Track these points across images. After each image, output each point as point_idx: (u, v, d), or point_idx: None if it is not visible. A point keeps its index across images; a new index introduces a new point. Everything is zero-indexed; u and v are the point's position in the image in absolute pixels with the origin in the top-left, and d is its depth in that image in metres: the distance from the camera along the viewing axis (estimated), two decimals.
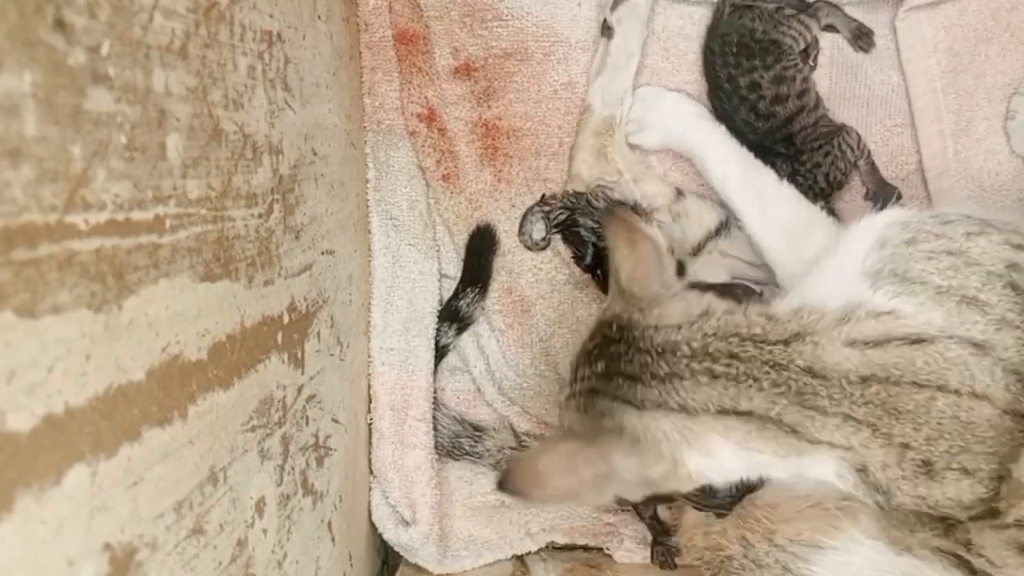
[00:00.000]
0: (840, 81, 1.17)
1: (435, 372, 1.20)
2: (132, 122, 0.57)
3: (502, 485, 0.79)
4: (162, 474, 0.61)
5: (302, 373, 0.90)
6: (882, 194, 1.16)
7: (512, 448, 1.20)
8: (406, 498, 1.16)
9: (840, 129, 1.15)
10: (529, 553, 1.20)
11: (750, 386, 0.77)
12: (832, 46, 1.17)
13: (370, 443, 1.17)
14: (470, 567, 1.18)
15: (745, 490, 0.91)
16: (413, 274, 1.20)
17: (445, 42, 1.17)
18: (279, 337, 0.83)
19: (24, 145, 0.47)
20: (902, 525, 0.79)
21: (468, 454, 1.20)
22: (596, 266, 1.17)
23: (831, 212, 1.14)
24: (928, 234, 0.85)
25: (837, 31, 1.16)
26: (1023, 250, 0.83)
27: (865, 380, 0.77)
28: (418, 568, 1.17)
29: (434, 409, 1.20)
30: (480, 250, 1.20)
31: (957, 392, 0.77)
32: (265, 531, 0.78)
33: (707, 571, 0.94)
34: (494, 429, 1.22)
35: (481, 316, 1.22)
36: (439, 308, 1.21)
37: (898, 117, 1.17)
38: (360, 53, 1.17)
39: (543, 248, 1.20)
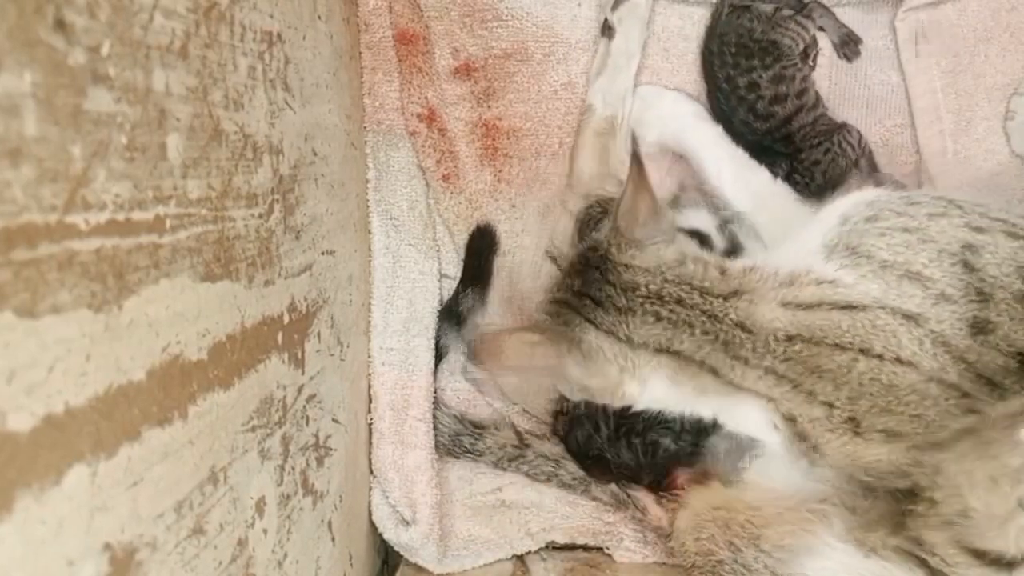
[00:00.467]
0: (840, 81, 1.18)
1: (435, 372, 1.20)
2: (132, 122, 0.57)
3: (469, 355, 0.96)
4: (162, 474, 0.61)
5: (302, 373, 0.90)
6: None
7: (515, 446, 1.20)
8: (406, 498, 1.16)
9: (841, 127, 1.15)
10: (529, 553, 1.20)
11: (684, 331, 0.87)
12: (832, 47, 1.17)
13: (370, 443, 1.17)
14: (470, 567, 1.18)
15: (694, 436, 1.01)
16: (413, 274, 1.20)
17: (445, 42, 1.17)
18: (279, 337, 0.83)
19: (24, 145, 0.47)
20: (864, 526, 0.81)
21: (469, 452, 1.20)
22: None
23: None
24: (890, 212, 0.90)
25: (825, 34, 1.16)
26: (983, 232, 0.86)
27: (790, 339, 0.84)
28: (418, 568, 1.17)
29: (434, 408, 1.20)
30: (480, 250, 1.20)
31: (880, 356, 0.82)
32: (265, 531, 0.78)
33: (698, 573, 0.94)
34: (495, 427, 1.21)
35: (481, 316, 1.22)
36: (439, 308, 1.21)
37: (898, 117, 1.17)
38: (360, 53, 1.17)
39: None
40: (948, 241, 0.86)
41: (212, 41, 0.69)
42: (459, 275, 1.22)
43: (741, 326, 0.86)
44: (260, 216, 0.79)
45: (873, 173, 1.17)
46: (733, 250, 1.11)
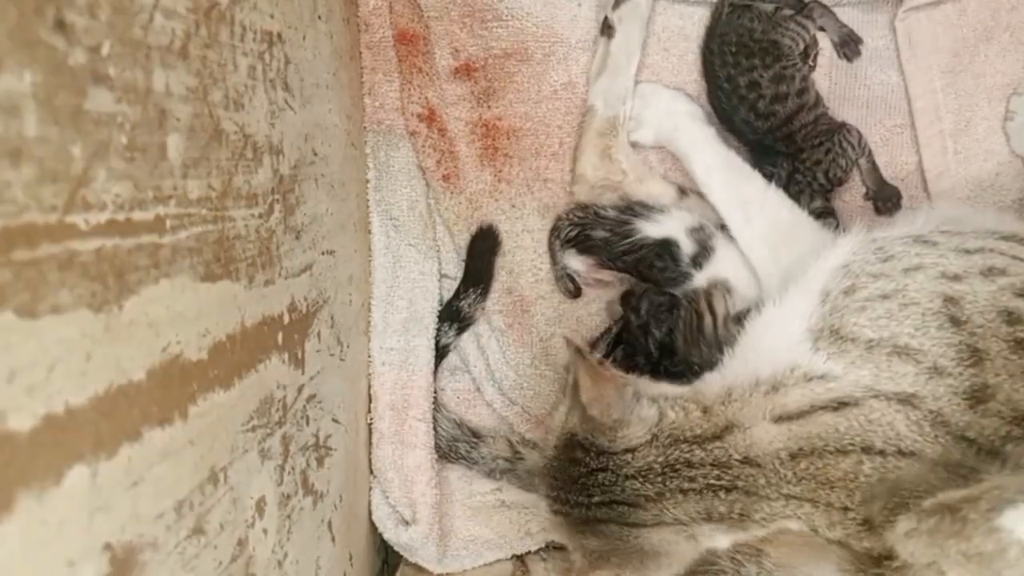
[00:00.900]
0: (840, 81, 1.18)
1: (435, 372, 1.20)
2: (132, 122, 0.57)
3: None
4: (162, 474, 0.61)
5: (302, 373, 0.90)
6: (883, 194, 1.17)
7: (506, 459, 1.20)
8: (406, 498, 1.16)
9: (841, 127, 1.15)
10: (529, 553, 1.20)
11: (711, 497, 0.84)
12: (832, 46, 1.17)
13: (370, 443, 1.17)
14: (470, 567, 1.18)
15: None
16: (413, 274, 1.20)
17: (445, 42, 1.17)
18: (279, 337, 0.83)
19: (24, 145, 0.47)
20: (853, 568, 0.81)
21: (464, 459, 1.20)
22: (616, 268, 1.17)
23: (830, 213, 1.14)
24: (867, 277, 0.87)
25: (825, 33, 1.16)
26: (959, 280, 0.84)
27: (794, 457, 0.81)
28: (418, 568, 1.17)
29: (434, 410, 1.20)
30: (483, 251, 1.20)
31: (883, 453, 0.79)
32: (265, 531, 0.78)
33: None
34: (491, 438, 1.21)
35: (481, 316, 1.22)
36: (439, 308, 1.21)
37: (898, 117, 1.17)
38: (360, 53, 1.17)
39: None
40: (929, 299, 0.83)
41: (212, 41, 0.69)
42: (459, 275, 1.22)
43: (747, 462, 0.83)
44: (260, 216, 0.79)
45: (873, 172, 1.17)
46: (703, 253, 1.11)
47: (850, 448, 0.80)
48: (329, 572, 0.97)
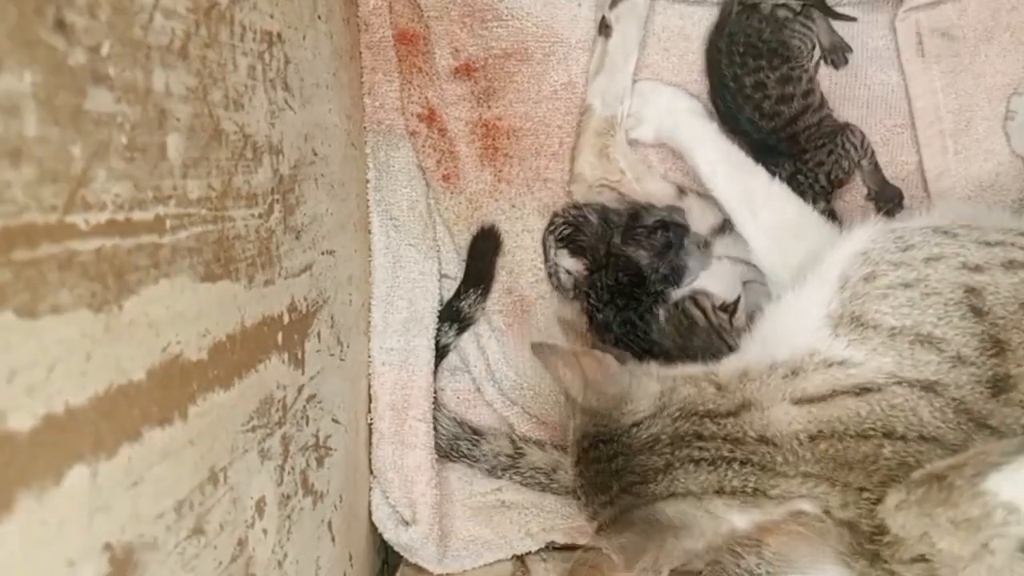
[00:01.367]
0: (840, 81, 1.18)
1: (435, 372, 1.20)
2: (132, 122, 0.57)
3: None
4: (162, 474, 0.61)
5: (302, 373, 0.90)
6: (884, 194, 1.17)
7: (508, 456, 1.20)
8: (406, 498, 1.16)
9: (844, 128, 1.15)
10: (529, 553, 1.20)
11: (724, 468, 0.83)
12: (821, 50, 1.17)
13: (370, 443, 1.17)
14: (470, 567, 1.18)
15: None
16: (413, 274, 1.20)
17: (445, 42, 1.17)
18: (279, 337, 0.83)
19: (24, 145, 0.47)
20: (852, 552, 0.81)
21: (465, 457, 1.20)
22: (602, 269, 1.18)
23: (831, 213, 1.14)
24: (887, 265, 0.86)
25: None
26: (981, 271, 0.84)
27: (813, 438, 0.81)
28: (418, 568, 1.17)
29: (434, 409, 1.20)
30: (484, 251, 1.20)
31: (904, 438, 0.79)
32: (265, 531, 0.78)
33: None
34: (492, 435, 1.21)
35: (481, 316, 1.22)
36: (439, 308, 1.21)
37: (898, 117, 1.17)
38: (360, 53, 1.17)
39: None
40: (951, 289, 0.83)
41: (212, 41, 0.69)
42: (459, 275, 1.22)
43: (764, 440, 0.82)
44: (260, 216, 0.79)
45: (875, 172, 1.17)
46: (673, 272, 1.12)
47: (871, 432, 0.79)
48: (329, 572, 0.97)
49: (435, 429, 1.19)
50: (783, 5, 1.14)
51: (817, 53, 1.16)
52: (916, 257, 0.86)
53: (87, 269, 0.52)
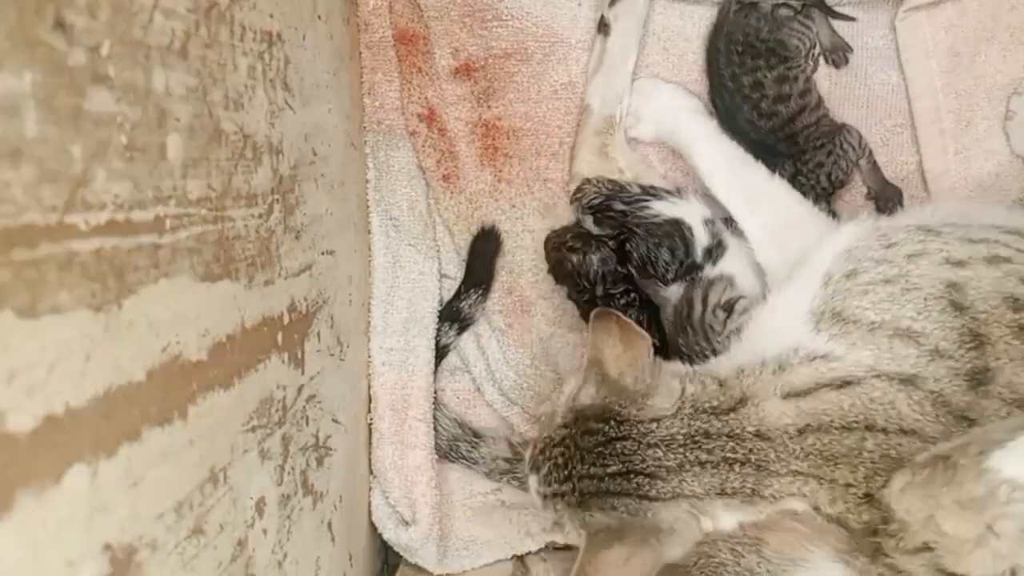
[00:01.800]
0: (840, 81, 1.18)
1: (435, 372, 1.20)
2: (132, 122, 0.57)
3: None
4: (162, 474, 0.60)
5: (302, 373, 0.90)
6: (884, 194, 1.17)
7: (505, 460, 1.20)
8: (406, 498, 1.16)
9: (841, 128, 1.15)
10: (529, 553, 1.20)
11: (726, 469, 0.84)
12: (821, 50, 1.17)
13: (370, 443, 1.17)
14: (470, 567, 1.18)
15: None
16: (413, 274, 1.20)
17: (445, 42, 1.17)
18: (279, 337, 0.83)
19: (24, 145, 0.47)
20: (850, 551, 0.81)
21: (465, 458, 1.20)
22: (620, 251, 1.16)
23: (832, 214, 1.14)
24: (870, 262, 0.88)
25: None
26: (963, 266, 0.84)
27: (801, 432, 0.82)
28: (418, 568, 1.17)
29: (434, 410, 1.20)
30: (484, 252, 1.20)
31: (884, 431, 0.79)
32: (265, 531, 0.78)
33: (699, 574, 0.94)
34: (491, 439, 1.21)
35: (481, 316, 1.22)
36: (439, 308, 1.21)
37: (898, 117, 1.17)
38: (360, 53, 1.17)
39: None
40: (931, 284, 0.84)
41: (212, 41, 0.69)
42: (459, 275, 1.22)
43: (759, 435, 0.83)
44: (260, 216, 0.79)
45: (874, 172, 1.17)
46: (717, 248, 1.11)
47: (854, 425, 0.80)
48: (329, 572, 0.97)
49: (435, 429, 1.19)
50: (784, 4, 1.14)
51: (817, 52, 1.16)
52: (899, 254, 0.87)
53: (87, 269, 0.52)
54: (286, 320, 0.85)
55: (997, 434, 0.71)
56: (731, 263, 1.11)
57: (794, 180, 1.13)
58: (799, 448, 0.82)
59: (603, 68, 1.15)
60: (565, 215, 1.20)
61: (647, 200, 1.14)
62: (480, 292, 1.20)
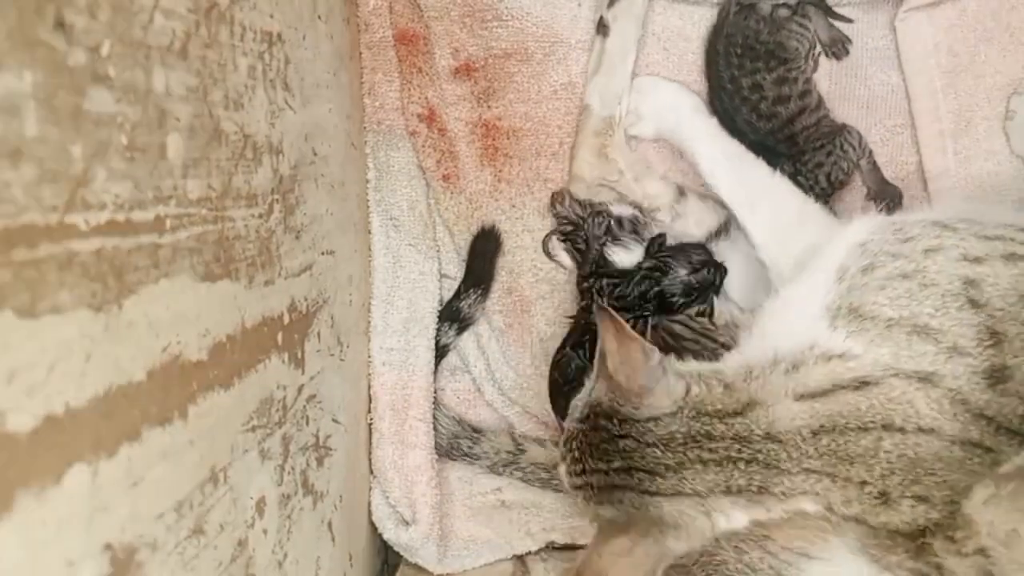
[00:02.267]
0: (840, 81, 1.17)
1: (435, 372, 1.20)
2: (132, 122, 0.57)
3: None
4: (162, 474, 0.61)
5: (302, 373, 0.90)
6: (884, 194, 1.17)
7: (509, 452, 1.20)
8: (406, 498, 1.16)
9: (842, 129, 1.15)
10: (529, 553, 1.20)
11: (731, 468, 0.83)
12: (821, 46, 1.17)
13: (370, 443, 1.17)
14: (470, 567, 1.18)
15: None
16: (413, 274, 1.20)
17: (445, 42, 1.17)
18: (279, 337, 0.83)
19: (24, 145, 0.47)
20: (881, 545, 0.80)
21: (466, 455, 1.21)
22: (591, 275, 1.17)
23: (831, 214, 1.14)
24: (886, 256, 0.87)
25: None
26: (980, 263, 0.83)
27: (816, 434, 0.81)
28: (418, 568, 1.17)
29: (434, 408, 1.20)
30: (484, 252, 1.20)
31: (902, 430, 0.79)
32: (265, 531, 0.78)
33: (700, 572, 0.94)
34: (492, 432, 1.22)
35: (481, 316, 1.22)
36: (439, 308, 1.21)
37: (898, 117, 1.17)
38: (360, 53, 1.17)
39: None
40: (949, 280, 0.83)
41: (212, 41, 0.69)
42: (459, 275, 1.22)
43: (770, 437, 0.82)
44: (260, 216, 0.79)
45: (874, 172, 1.17)
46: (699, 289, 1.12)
47: (871, 426, 0.80)
48: (329, 572, 0.97)
49: (435, 428, 1.19)
50: (783, 4, 1.14)
51: (817, 52, 1.16)
52: (915, 249, 0.86)
53: (87, 269, 0.52)
54: (286, 320, 0.85)
55: None
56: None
57: (794, 180, 1.13)
58: (812, 449, 0.81)
59: (602, 69, 1.15)
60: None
61: (614, 241, 1.16)
62: (480, 292, 1.20)
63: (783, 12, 1.14)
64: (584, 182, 1.17)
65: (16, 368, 0.46)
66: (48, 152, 0.49)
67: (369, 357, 1.18)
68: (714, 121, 1.14)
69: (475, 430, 1.22)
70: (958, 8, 1.14)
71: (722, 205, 1.14)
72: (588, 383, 0.94)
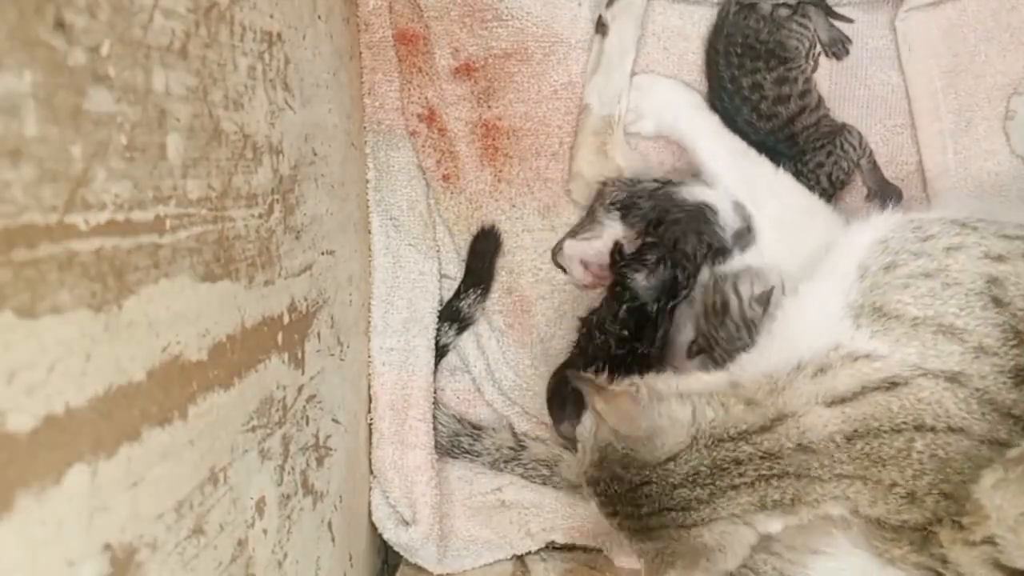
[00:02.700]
0: (840, 81, 1.17)
1: (435, 372, 1.20)
2: (132, 122, 0.57)
3: None
4: (162, 474, 0.60)
5: (302, 373, 0.90)
6: (884, 194, 1.16)
7: (510, 448, 1.20)
8: (406, 498, 1.16)
9: (842, 128, 1.15)
10: (529, 553, 1.20)
11: (764, 487, 0.82)
12: (821, 45, 1.16)
13: (370, 443, 1.17)
14: (470, 567, 1.18)
15: None
16: (413, 274, 1.20)
17: (445, 42, 1.17)
18: (279, 337, 0.83)
19: (24, 145, 0.47)
20: (885, 538, 0.80)
21: (467, 452, 1.21)
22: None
23: None
24: (908, 254, 0.86)
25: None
26: (1003, 261, 0.83)
27: (850, 439, 0.80)
28: (418, 568, 1.17)
29: (434, 408, 1.20)
30: (484, 252, 1.20)
31: (933, 429, 0.78)
32: (265, 531, 0.78)
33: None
34: (493, 429, 1.22)
35: (481, 316, 1.22)
36: (439, 308, 1.21)
37: (898, 117, 1.17)
38: (360, 53, 1.17)
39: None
40: (972, 279, 0.82)
41: (212, 41, 0.69)
42: (459, 275, 1.22)
43: (802, 448, 0.81)
44: (260, 216, 0.79)
45: (874, 172, 1.17)
46: (747, 231, 1.08)
47: (903, 426, 0.79)
48: (329, 572, 0.97)
49: (435, 427, 1.19)
50: (783, 4, 1.14)
51: (817, 52, 1.16)
52: (936, 247, 0.85)
53: (87, 269, 0.52)
54: (286, 320, 0.85)
55: None
56: (758, 255, 1.08)
57: None
58: (846, 455, 0.80)
59: (601, 68, 1.15)
60: (565, 215, 1.21)
61: (673, 187, 1.12)
62: (480, 292, 1.20)
63: (783, 12, 1.14)
64: (584, 181, 1.17)
65: (16, 368, 0.46)
66: (48, 152, 0.49)
67: (369, 357, 1.18)
68: (715, 118, 1.14)
69: (475, 427, 1.22)
70: (958, 8, 1.14)
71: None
72: (586, 423, 0.92)
